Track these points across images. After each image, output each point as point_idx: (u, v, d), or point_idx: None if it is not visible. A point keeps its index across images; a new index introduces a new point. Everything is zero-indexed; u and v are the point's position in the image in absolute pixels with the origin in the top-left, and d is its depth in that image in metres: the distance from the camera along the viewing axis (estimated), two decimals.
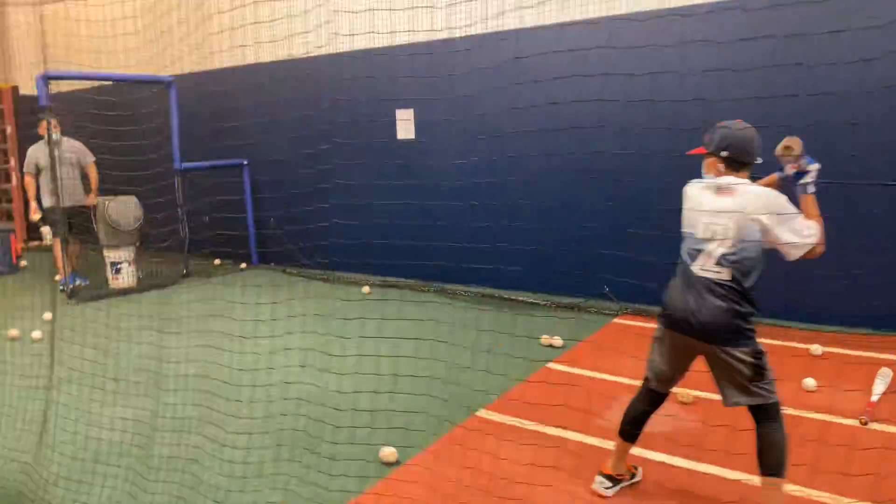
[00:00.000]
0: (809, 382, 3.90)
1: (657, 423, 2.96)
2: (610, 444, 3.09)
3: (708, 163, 2.61)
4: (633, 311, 5.61)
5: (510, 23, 6.16)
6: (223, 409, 3.63)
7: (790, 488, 2.70)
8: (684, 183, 2.75)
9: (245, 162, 8.24)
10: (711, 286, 2.44)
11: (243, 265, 8.37)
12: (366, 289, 6.81)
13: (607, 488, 2.82)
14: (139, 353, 4.78)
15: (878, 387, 3.81)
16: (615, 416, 3.13)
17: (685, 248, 2.60)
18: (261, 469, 3.17)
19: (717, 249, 2.45)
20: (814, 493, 2.80)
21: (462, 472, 2.99)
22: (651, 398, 2.75)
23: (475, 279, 6.66)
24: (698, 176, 2.69)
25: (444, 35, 6.20)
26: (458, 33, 6.23)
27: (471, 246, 6.53)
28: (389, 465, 3.18)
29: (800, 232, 2.38)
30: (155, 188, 7.59)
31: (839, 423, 3.46)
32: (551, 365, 4.44)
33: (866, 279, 4.67)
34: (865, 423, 3.42)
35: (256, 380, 4.12)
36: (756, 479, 2.63)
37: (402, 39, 6.75)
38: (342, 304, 5.63)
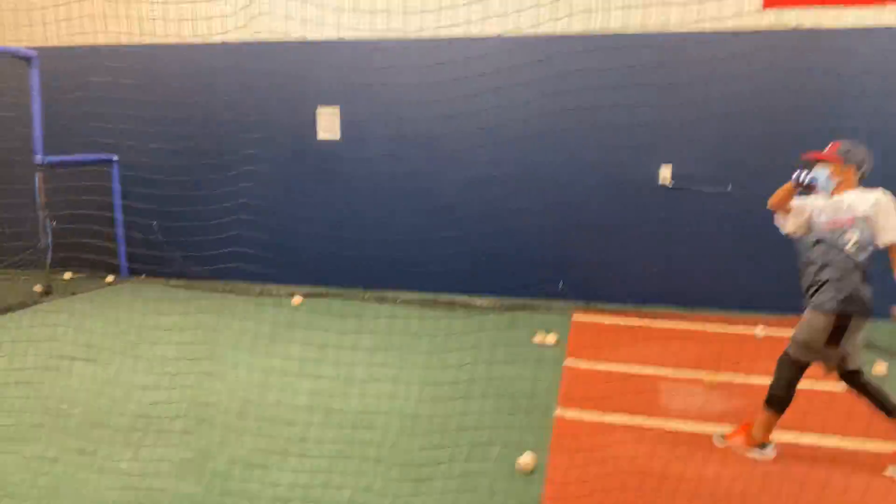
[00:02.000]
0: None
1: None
2: (684, 426, 3.51)
3: (834, 170, 3.07)
4: (584, 307, 6.05)
5: (449, 31, 6.21)
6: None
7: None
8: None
9: (115, 157, 7.04)
10: None
11: (110, 278, 7.13)
12: (296, 299, 6.29)
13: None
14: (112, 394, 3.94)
15: None
16: (674, 398, 3.58)
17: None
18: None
19: None
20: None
21: (605, 468, 3.05)
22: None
23: (408, 284, 6.56)
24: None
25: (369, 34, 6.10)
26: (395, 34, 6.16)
27: (402, 250, 6.45)
28: (530, 473, 3.10)
29: None
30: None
31: None
32: (569, 362, 4.63)
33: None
34: None
35: (316, 406, 3.73)
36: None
37: (326, 34, 6.43)
38: (310, 320, 5.24)
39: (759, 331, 5.33)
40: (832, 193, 3.06)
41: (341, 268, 6.64)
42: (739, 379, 4.24)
